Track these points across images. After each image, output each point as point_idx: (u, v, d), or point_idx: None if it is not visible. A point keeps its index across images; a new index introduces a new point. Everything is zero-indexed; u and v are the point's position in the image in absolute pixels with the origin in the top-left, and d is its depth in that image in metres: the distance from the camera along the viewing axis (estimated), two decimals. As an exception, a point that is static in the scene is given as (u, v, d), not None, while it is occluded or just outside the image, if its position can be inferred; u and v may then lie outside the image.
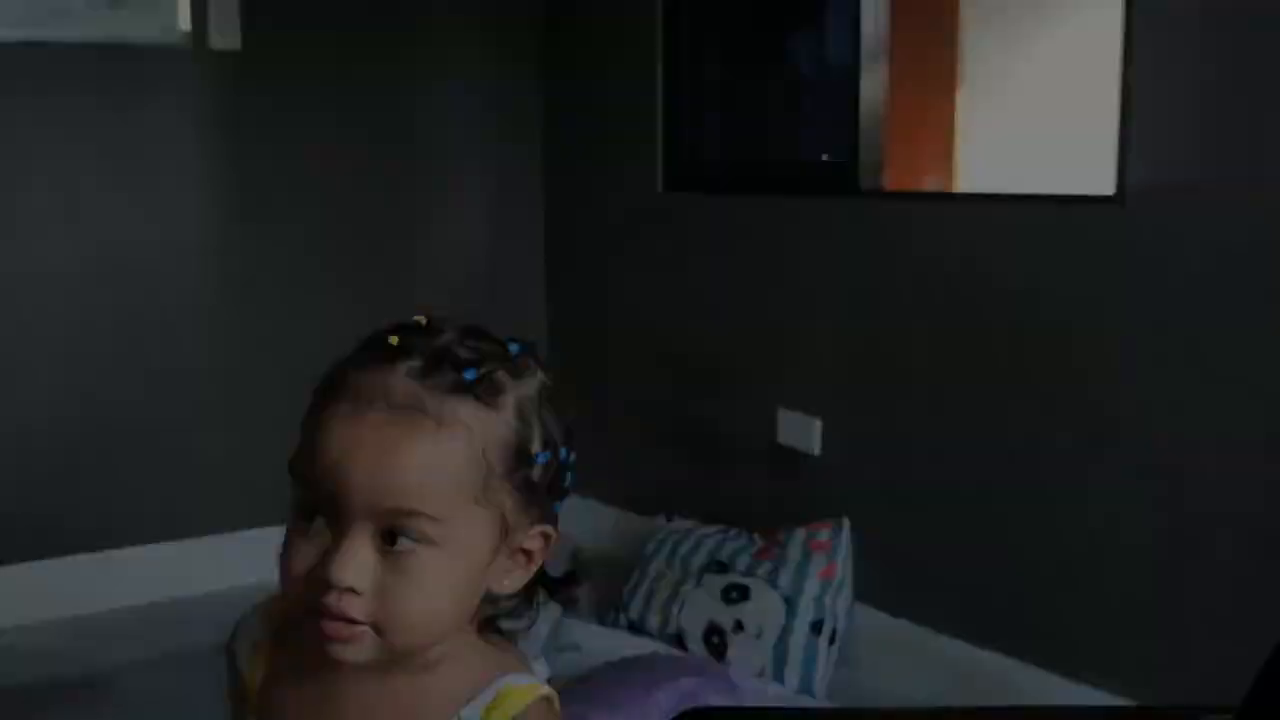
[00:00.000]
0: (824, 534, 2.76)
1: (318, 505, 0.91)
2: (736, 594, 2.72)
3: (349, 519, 0.89)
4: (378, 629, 0.89)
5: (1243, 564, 2.14)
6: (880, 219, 2.75)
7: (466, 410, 0.91)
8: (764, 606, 2.67)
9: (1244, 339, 2.11)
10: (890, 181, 2.89)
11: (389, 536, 0.89)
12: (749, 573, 2.74)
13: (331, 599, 0.88)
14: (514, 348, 0.96)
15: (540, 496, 0.95)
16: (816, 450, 2.88)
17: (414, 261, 3.56)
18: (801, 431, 2.91)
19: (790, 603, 2.67)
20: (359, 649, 0.90)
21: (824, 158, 3.15)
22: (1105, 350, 2.30)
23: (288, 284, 3.36)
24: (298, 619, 0.95)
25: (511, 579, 0.96)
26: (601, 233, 3.55)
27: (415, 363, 0.91)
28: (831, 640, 2.67)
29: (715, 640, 2.69)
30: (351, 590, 0.88)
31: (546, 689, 0.97)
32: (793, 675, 2.61)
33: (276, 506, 3.44)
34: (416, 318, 0.98)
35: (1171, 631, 2.23)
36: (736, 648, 2.66)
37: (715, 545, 2.86)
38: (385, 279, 3.51)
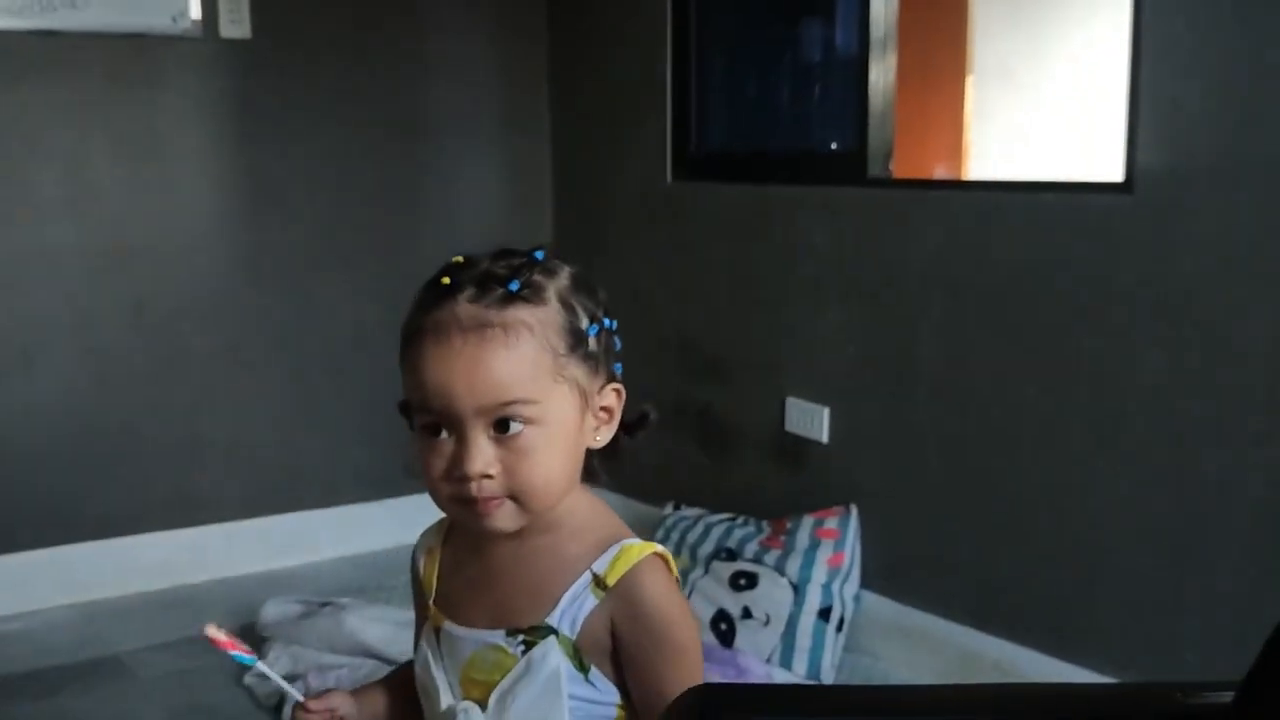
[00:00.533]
0: (831, 521, 2.77)
1: (439, 422, 1.11)
2: (745, 581, 2.73)
3: (464, 423, 1.09)
4: (513, 498, 1.11)
5: (1250, 549, 2.15)
6: (889, 207, 2.76)
7: (522, 313, 1.10)
8: (772, 593, 2.69)
9: (1253, 324, 2.12)
10: (899, 170, 2.90)
11: (500, 426, 1.09)
12: (757, 560, 2.76)
13: (472, 488, 1.09)
14: (538, 254, 1.16)
15: (601, 362, 1.16)
16: (824, 438, 2.89)
17: (421, 249, 3.57)
18: (809, 420, 2.92)
19: (798, 589, 2.68)
20: (505, 516, 1.11)
21: (832, 146, 3.15)
22: (1113, 336, 2.31)
23: (297, 270, 3.38)
24: (454, 522, 1.21)
25: (601, 434, 1.17)
26: (610, 221, 3.56)
27: (469, 290, 1.11)
28: (839, 627, 2.68)
29: (723, 627, 2.71)
30: (486, 476, 1.09)
31: (660, 548, 1.16)
32: (800, 661, 2.63)
33: (285, 494, 3.47)
34: (454, 259, 1.18)
35: (1178, 617, 2.24)
36: (744, 634, 2.68)
37: (723, 533, 2.88)
38: (392, 266, 3.52)
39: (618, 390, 1.18)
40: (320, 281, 3.41)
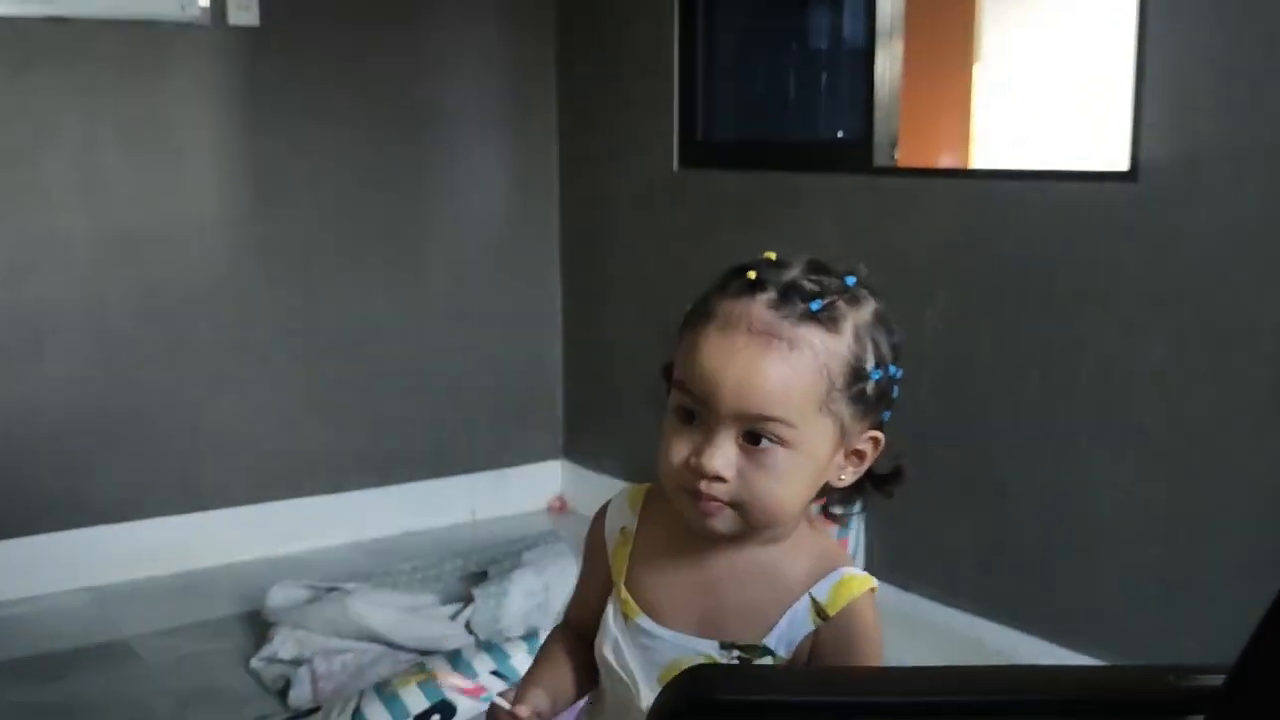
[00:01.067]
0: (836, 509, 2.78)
1: (694, 409, 1.10)
2: (749, 568, 2.74)
3: (718, 421, 1.08)
4: (738, 508, 1.10)
5: (1252, 537, 2.15)
6: (895, 196, 2.76)
7: (813, 335, 1.09)
8: (776, 580, 2.69)
9: (1257, 312, 2.12)
10: (904, 158, 2.90)
11: (751, 437, 1.08)
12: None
13: (703, 485, 1.09)
14: (850, 280, 1.15)
15: (872, 406, 1.14)
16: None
17: (429, 237, 3.58)
18: (815, 407, 2.92)
19: (802, 577, 2.69)
20: (722, 520, 1.11)
21: (839, 134, 3.15)
22: (1118, 324, 2.31)
23: (305, 257, 3.39)
24: (658, 504, 1.19)
25: (846, 475, 1.16)
26: (617, 210, 3.57)
27: (770, 294, 1.10)
28: (843, 614, 2.69)
29: (727, 613, 2.71)
30: (719, 478, 1.08)
31: (874, 582, 1.16)
32: (804, 648, 2.64)
33: (292, 480, 3.48)
34: (767, 254, 1.16)
35: (1180, 604, 2.25)
36: (748, 621, 2.69)
37: (728, 519, 2.88)
38: (400, 254, 3.54)
39: (876, 439, 1.17)
40: (328, 269, 3.43)
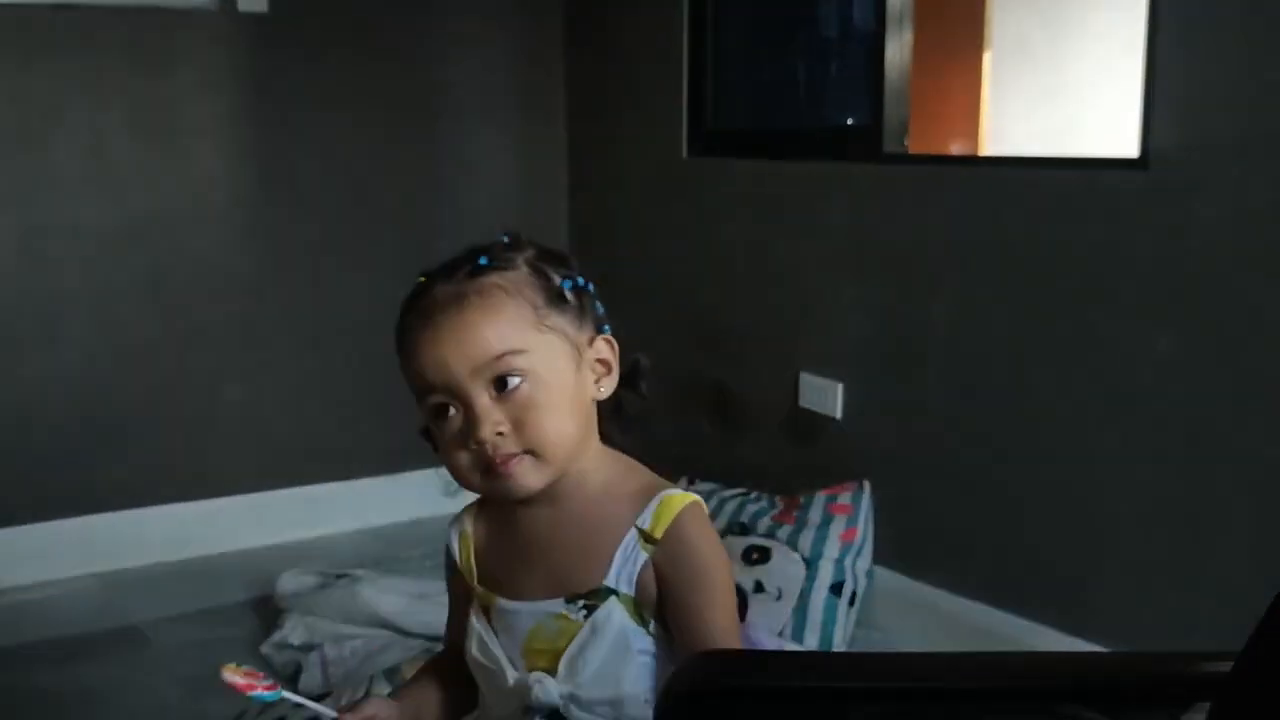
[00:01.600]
0: (845, 497, 2.78)
1: (444, 399, 1.15)
2: (757, 555, 2.74)
3: (465, 390, 1.13)
4: (531, 453, 1.14)
5: (1260, 526, 2.15)
6: (904, 183, 2.75)
7: (493, 278, 1.16)
8: (784, 568, 2.70)
9: (1266, 302, 2.11)
10: (914, 146, 2.89)
11: (499, 384, 1.13)
12: (770, 535, 2.77)
13: (488, 450, 1.13)
14: (503, 236, 1.23)
15: (585, 314, 1.20)
16: (838, 414, 2.89)
17: (437, 224, 3.58)
18: (823, 395, 2.93)
19: (810, 565, 2.69)
20: (527, 472, 1.14)
21: (848, 122, 3.15)
22: (1127, 313, 2.31)
23: (312, 246, 3.39)
24: (486, 506, 1.25)
25: (604, 385, 1.21)
26: (626, 198, 3.56)
27: (441, 276, 1.18)
28: (851, 602, 2.69)
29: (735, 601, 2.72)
30: (498, 434, 1.12)
31: (696, 496, 1.20)
32: (812, 636, 2.64)
33: (301, 468, 3.49)
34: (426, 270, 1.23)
35: (1191, 593, 2.25)
36: (756, 609, 2.69)
37: (736, 507, 2.89)
38: (408, 241, 3.54)
39: (609, 341, 1.22)
40: (335, 257, 3.43)
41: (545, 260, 1.21)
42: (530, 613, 1.19)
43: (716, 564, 1.18)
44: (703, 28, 3.27)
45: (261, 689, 1.19)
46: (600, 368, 1.21)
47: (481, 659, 1.22)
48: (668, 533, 1.16)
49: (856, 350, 2.86)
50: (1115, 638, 2.33)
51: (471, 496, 1.27)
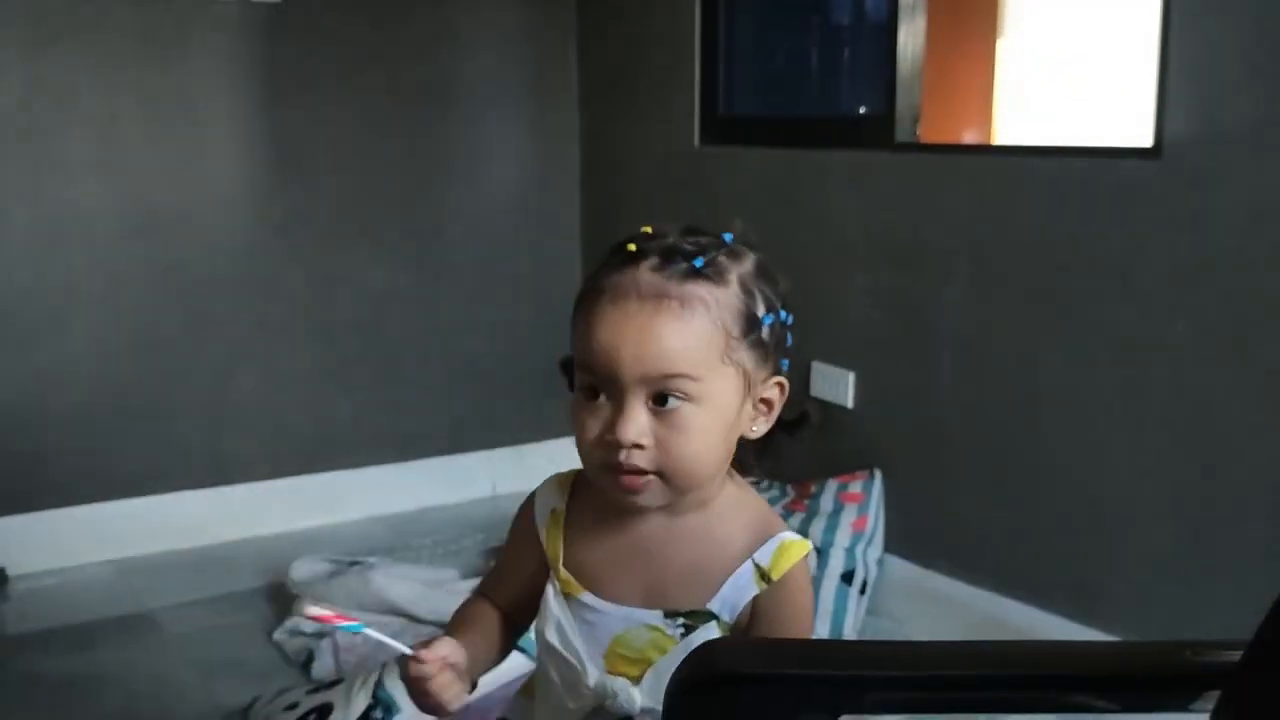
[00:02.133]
0: (856, 485, 2.78)
1: (599, 385, 1.11)
2: (768, 544, 2.75)
3: (625, 390, 1.09)
4: (661, 475, 1.11)
5: (1272, 515, 2.14)
6: (917, 172, 2.75)
7: (701, 289, 1.11)
8: (795, 556, 2.70)
9: (1279, 291, 2.11)
10: (927, 134, 2.89)
11: (659, 399, 1.10)
12: (781, 523, 2.77)
13: (622, 455, 1.10)
14: (727, 236, 1.18)
15: (771, 353, 1.16)
16: (849, 403, 2.90)
17: (450, 213, 3.59)
18: (835, 384, 2.93)
19: (822, 553, 2.69)
20: (651, 494, 1.12)
21: (861, 110, 3.14)
22: (1140, 302, 2.30)
23: (325, 233, 3.40)
24: (588, 486, 1.20)
25: (758, 425, 1.19)
26: (638, 186, 3.56)
27: (654, 260, 1.12)
28: (862, 590, 2.70)
29: (747, 589, 2.72)
30: (637, 446, 1.09)
31: (810, 546, 1.19)
32: (823, 625, 2.65)
33: (314, 456, 3.49)
34: (644, 228, 1.18)
35: (1202, 583, 2.24)
36: (768, 596, 2.69)
37: (748, 496, 2.89)
38: (421, 229, 3.55)
39: (781, 384, 1.19)
40: (349, 244, 3.44)
41: (760, 280, 1.17)
42: (622, 618, 1.17)
43: (809, 610, 1.20)
44: (715, 15, 3.27)
45: (347, 620, 1.17)
46: (763, 406, 1.18)
47: (558, 645, 1.20)
48: (784, 577, 1.15)
49: (868, 339, 2.86)
50: (1126, 627, 2.33)
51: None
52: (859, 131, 2.95)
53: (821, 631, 2.64)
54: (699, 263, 1.11)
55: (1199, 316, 2.21)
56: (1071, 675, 0.87)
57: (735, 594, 1.15)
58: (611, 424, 1.10)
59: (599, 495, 1.19)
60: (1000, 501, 2.59)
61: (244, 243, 3.31)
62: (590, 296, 1.13)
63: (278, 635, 2.68)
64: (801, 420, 1.25)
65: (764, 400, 1.18)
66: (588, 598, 1.18)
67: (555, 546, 1.22)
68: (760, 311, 1.14)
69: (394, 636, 2.72)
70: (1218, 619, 2.18)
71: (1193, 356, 2.23)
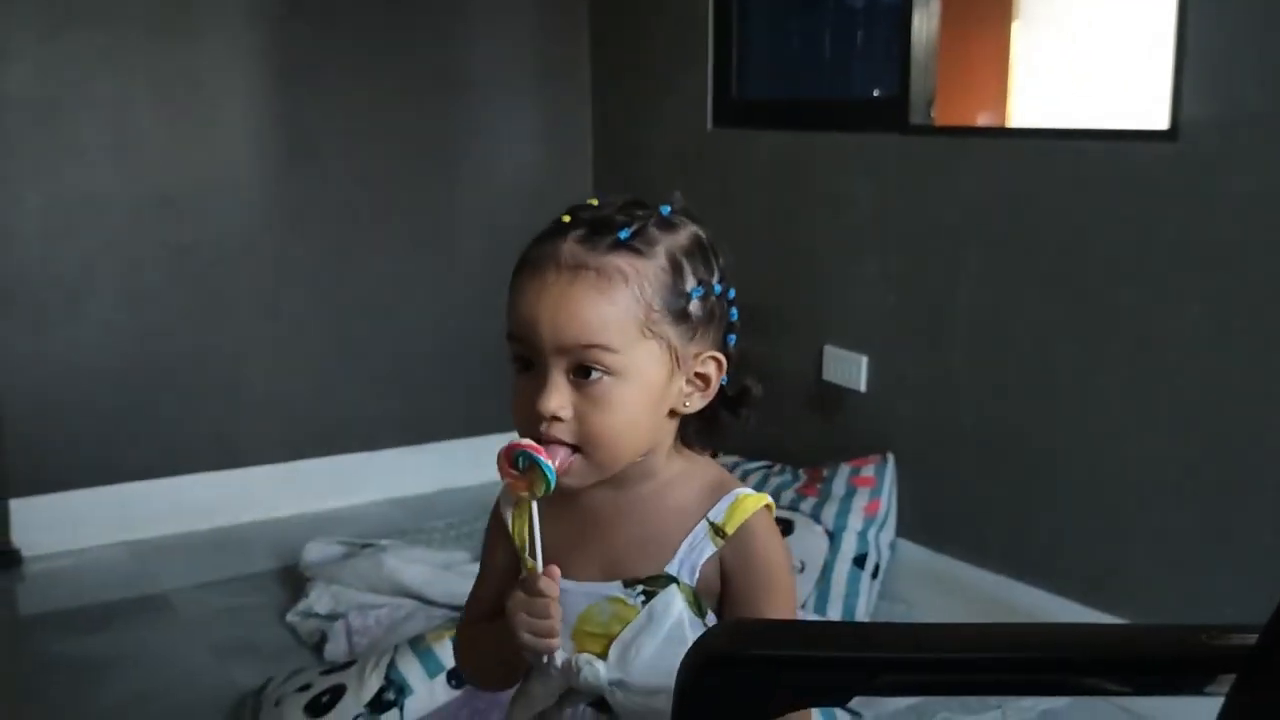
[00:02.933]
0: (868, 469, 2.78)
1: (528, 356, 1.11)
2: (781, 528, 2.74)
3: (546, 361, 1.09)
4: (582, 451, 1.10)
5: (1288, 503, 2.14)
6: (931, 155, 2.74)
7: (622, 260, 1.10)
8: (807, 541, 2.70)
9: (1296, 278, 2.09)
10: (941, 117, 2.87)
11: (581, 371, 1.09)
12: (793, 507, 2.77)
13: (542, 427, 1.09)
14: (664, 209, 1.16)
15: (704, 327, 1.14)
16: (862, 387, 2.89)
17: (462, 197, 3.58)
18: (848, 368, 2.92)
19: (834, 537, 2.69)
20: (573, 473, 1.11)
21: (875, 93, 3.13)
22: (1154, 286, 2.29)
23: (336, 217, 3.40)
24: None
25: (691, 400, 1.16)
26: (650, 169, 3.56)
27: (580, 231, 1.11)
28: (874, 574, 2.70)
29: (758, 572, 2.72)
30: (556, 418, 1.09)
31: (769, 499, 1.17)
32: (835, 608, 2.65)
33: (326, 439, 3.50)
34: (589, 200, 1.17)
35: (1215, 568, 2.24)
36: (779, 580, 2.69)
37: (760, 480, 2.89)
38: (432, 213, 3.55)
39: (718, 359, 1.16)
40: (361, 228, 3.44)
41: (692, 255, 1.14)
42: (584, 594, 1.16)
43: (783, 567, 1.17)
44: (728, -2, 3.26)
45: (548, 459, 1.10)
46: (698, 381, 1.16)
47: None
48: (740, 530, 1.14)
49: (881, 323, 2.85)
50: (1139, 610, 2.33)
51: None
52: (873, 114, 2.93)
53: (834, 616, 2.64)
54: (624, 234, 1.10)
55: (1214, 300, 2.20)
56: (1086, 658, 0.86)
57: (692, 554, 1.14)
58: (535, 396, 1.10)
59: None
60: (1013, 485, 2.59)
61: (256, 225, 3.32)
62: (518, 267, 1.13)
63: (290, 617, 2.69)
64: (742, 395, 1.21)
65: (699, 375, 1.15)
66: None
67: (521, 533, 1.23)
68: (688, 285, 1.12)
69: (406, 619, 2.71)
70: (1231, 602, 2.18)
71: (1207, 340, 2.22)
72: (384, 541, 2.89)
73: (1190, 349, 2.24)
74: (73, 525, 3.11)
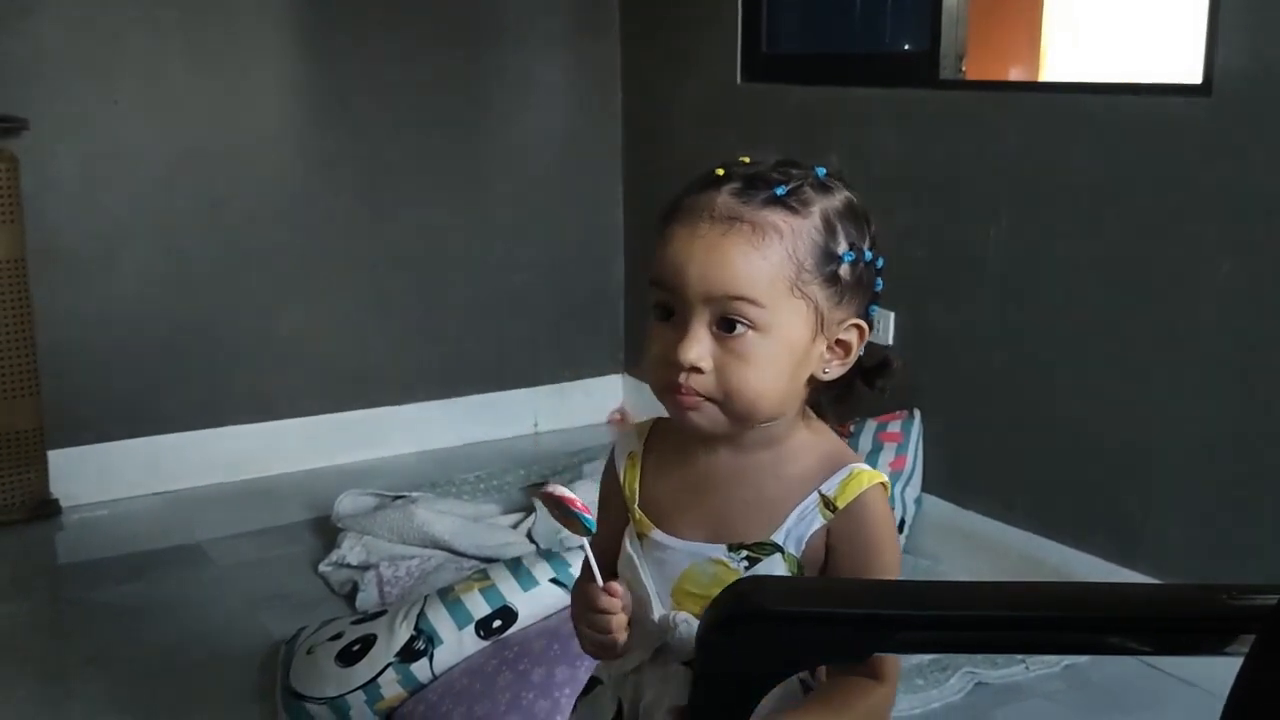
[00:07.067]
0: (894, 425, 2.79)
1: (669, 305, 1.10)
2: (807, 482, 2.75)
3: (690, 310, 1.08)
4: (718, 403, 1.09)
5: (1317, 462, 2.13)
6: (961, 109, 2.71)
7: (777, 217, 1.08)
8: (834, 495, 2.71)
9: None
10: (972, 71, 2.85)
11: (725, 324, 1.08)
12: (820, 462, 2.77)
13: (681, 377, 1.08)
14: (820, 171, 1.14)
15: (851, 293, 1.13)
16: (890, 342, 2.89)
17: (493, 151, 3.58)
18: (875, 323, 2.91)
19: (860, 492, 2.70)
20: (704, 416, 1.10)
21: (905, 47, 3.10)
22: (1187, 242, 2.27)
23: (368, 172, 3.41)
24: (663, 430, 1.21)
25: (831, 368, 1.14)
26: (679, 123, 3.54)
27: (735, 185, 1.10)
28: (900, 530, 2.71)
29: (785, 527, 2.73)
30: (696, 369, 1.08)
31: (884, 477, 1.16)
32: (861, 562, 2.66)
33: (359, 391, 3.52)
34: (741, 158, 1.15)
35: (1237, 524, 2.24)
36: (806, 534, 2.71)
37: (787, 434, 2.90)
38: (464, 168, 3.55)
39: (860, 327, 1.15)
40: (393, 183, 3.45)
41: (845, 218, 1.12)
42: (688, 553, 1.15)
43: (891, 547, 1.15)
44: (758, -50, 3.23)
45: (590, 515, 1.14)
46: (839, 349, 1.14)
47: (630, 581, 1.20)
48: (850, 506, 1.12)
49: (910, 279, 2.84)
50: (1164, 568, 2.33)
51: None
52: (903, 69, 2.91)
53: (859, 569, 2.66)
54: (781, 190, 1.09)
55: (1247, 255, 2.18)
56: (1106, 616, 0.87)
57: (800, 525, 1.12)
58: (675, 345, 1.08)
59: (671, 437, 1.19)
60: (1040, 442, 2.59)
61: (289, 180, 3.33)
62: (668, 216, 1.12)
63: (323, 567, 2.73)
64: (882, 367, 1.19)
65: (840, 342, 1.14)
66: (657, 534, 1.18)
67: (632, 486, 1.22)
68: (840, 249, 1.11)
69: (436, 570, 2.74)
70: (1257, 561, 2.18)
71: (1240, 296, 2.20)
72: (415, 494, 2.92)
73: (1222, 305, 2.23)
74: (109, 476, 3.16)
